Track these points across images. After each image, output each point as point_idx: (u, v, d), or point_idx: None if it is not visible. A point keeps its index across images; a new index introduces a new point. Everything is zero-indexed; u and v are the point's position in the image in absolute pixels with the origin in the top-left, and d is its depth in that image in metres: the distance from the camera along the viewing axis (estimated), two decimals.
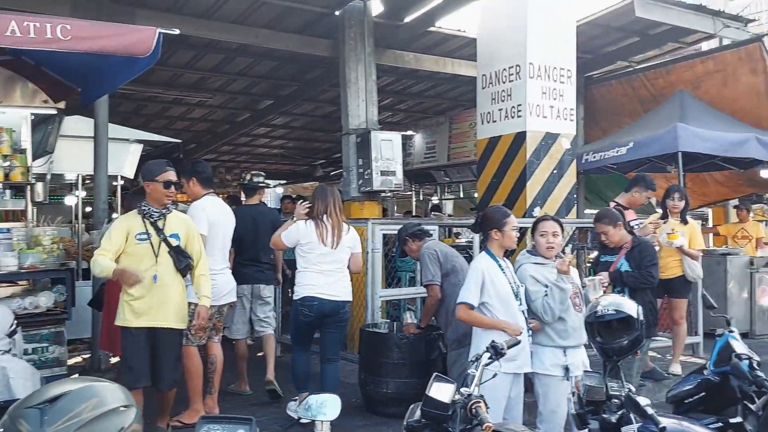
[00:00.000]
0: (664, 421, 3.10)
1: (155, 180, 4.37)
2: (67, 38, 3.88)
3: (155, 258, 4.30)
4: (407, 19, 8.09)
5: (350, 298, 5.26)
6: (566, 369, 3.99)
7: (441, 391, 2.53)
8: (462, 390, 2.49)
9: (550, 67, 7.23)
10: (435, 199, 14.82)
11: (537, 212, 7.25)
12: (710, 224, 12.68)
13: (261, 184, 6.39)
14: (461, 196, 14.54)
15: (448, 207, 15.38)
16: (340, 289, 5.11)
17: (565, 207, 7.48)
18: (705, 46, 10.96)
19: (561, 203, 7.41)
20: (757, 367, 3.64)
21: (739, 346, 3.78)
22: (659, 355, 7.64)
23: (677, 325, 6.86)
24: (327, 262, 5.08)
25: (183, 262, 4.39)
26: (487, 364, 2.81)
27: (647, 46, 9.98)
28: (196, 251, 4.53)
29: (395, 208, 14.56)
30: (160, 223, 4.37)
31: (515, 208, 7.19)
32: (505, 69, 7.34)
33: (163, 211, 4.39)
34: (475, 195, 9.93)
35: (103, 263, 4.22)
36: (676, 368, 6.71)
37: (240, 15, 7.76)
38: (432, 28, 8.38)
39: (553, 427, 3.97)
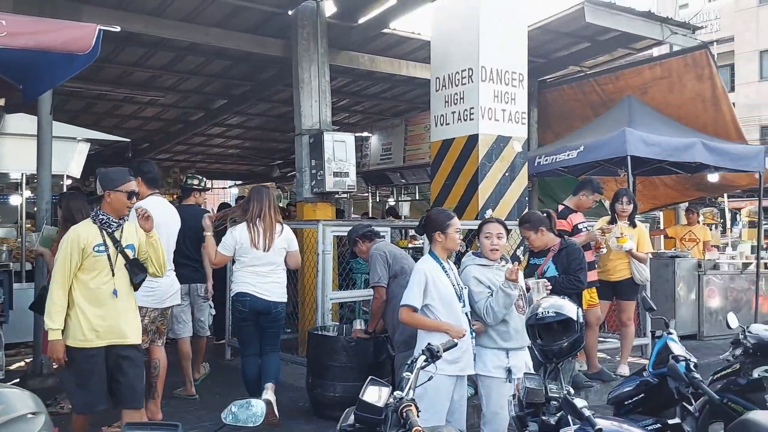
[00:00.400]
0: (601, 423, 3.12)
1: (117, 190, 4.07)
2: (2, 34, 3.74)
3: (112, 271, 4.04)
4: (361, 21, 8.06)
5: (284, 300, 5.41)
6: (509, 371, 4.02)
7: (375, 394, 2.51)
8: (395, 393, 2.47)
9: (502, 70, 7.29)
10: (391, 201, 14.86)
11: (489, 214, 7.31)
12: (662, 227, 12.96)
13: (196, 187, 6.40)
14: (417, 197, 14.61)
15: (405, 208, 15.45)
16: (272, 290, 5.28)
17: (517, 209, 7.55)
18: (656, 52, 11.20)
19: (513, 205, 7.47)
20: (693, 368, 3.70)
21: (677, 348, 3.84)
22: (608, 357, 7.76)
23: (625, 327, 6.98)
24: (260, 264, 5.24)
25: (139, 277, 4.16)
26: (422, 367, 2.80)
27: (598, 51, 10.15)
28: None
29: (352, 209, 14.56)
30: (117, 234, 4.09)
31: (468, 210, 7.25)
32: (457, 72, 7.39)
33: (120, 221, 4.12)
34: None
35: (53, 316, 3.92)
36: (624, 369, 6.82)
37: (189, 13, 7.64)
38: (386, 30, 8.37)
39: (496, 429, 3.99)
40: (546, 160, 9.28)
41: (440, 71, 7.62)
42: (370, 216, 13.36)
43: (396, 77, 10.08)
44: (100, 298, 4.00)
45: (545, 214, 5.58)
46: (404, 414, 2.27)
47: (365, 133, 12.69)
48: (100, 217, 4.09)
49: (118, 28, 4.09)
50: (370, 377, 2.68)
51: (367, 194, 14.42)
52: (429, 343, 2.95)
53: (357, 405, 2.46)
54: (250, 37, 8.25)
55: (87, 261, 3.99)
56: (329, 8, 7.83)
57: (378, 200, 15.55)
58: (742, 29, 31.28)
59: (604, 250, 6.76)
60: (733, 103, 31.39)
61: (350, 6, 7.82)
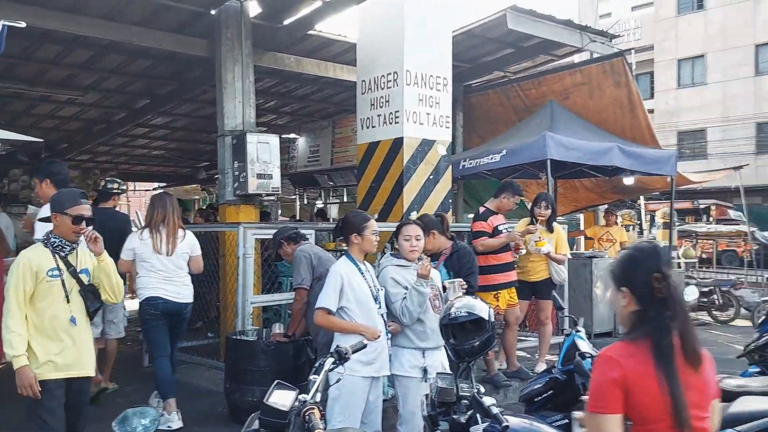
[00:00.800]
0: (511, 420, 3.21)
1: (64, 213, 3.71)
2: None
3: (67, 298, 3.70)
4: (287, 22, 8.00)
5: (191, 300, 5.55)
6: (424, 371, 4.07)
7: (281, 398, 2.51)
8: (300, 397, 2.47)
9: (426, 75, 7.38)
10: (320, 203, 14.81)
11: (413, 216, 7.38)
12: (582, 227, 13.37)
13: (114, 191, 6.40)
14: (346, 200, 14.61)
15: (333, 211, 15.44)
16: (182, 292, 5.43)
17: (441, 211, 7.65)
18: (578, 59, 11.56)
19: (437, 207, 7.56)
20: None
21: (584, 345, 3.98)
22: (528, 355, 7.96)
23: (543, 326, 7.19)
24: (165, 269, 5.36)
25: (94, 305, 3.84)
26: (330, 370, 2.81)
27: (521, 57, 10.40)
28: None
29: (279, 212, 14.45)
30: (71, 258, 3.76)
31: (393, 212, 7.31)
32: (383, 75, 7.45)
33: (74, 245, 3.78)
34: None
35: (13, 343, 3.57)
36: (542, 367, 6.98)
37: (110, 11, 7.41)
38: (312, 32, 8.34)
39: (412, 429, 4.02)
40: (470, 164, 9.44)
41: (366, 74, 7.65)
42: (298, 218, 13.29)
43: (324, 79, 10.06)
44: (58, 327, 3.67)
45: (438, 218, 5.64)
46: (307, 417, 2.27)
47: (292, 135, 12.59)
48: (52, 240, 3.74)
49: (23, 24, 3.96)
50: (276, 381, 2.68)
51: (294, 196, 14.32)
52: (338, 346, 2.96)
53: (261, 409, 2.45)
54: (174, 37, 8.07)
55: (40, 287, 3.65)
56: (254, 8, 7.75)
57: (306, 202, 15.48)
58: (662, 38, 32.66)
59: (524, 251, 6.94)
60: (653, 110, 32.74)
61: (275, 7, 7.75)
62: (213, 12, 7.59)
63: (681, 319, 2.17)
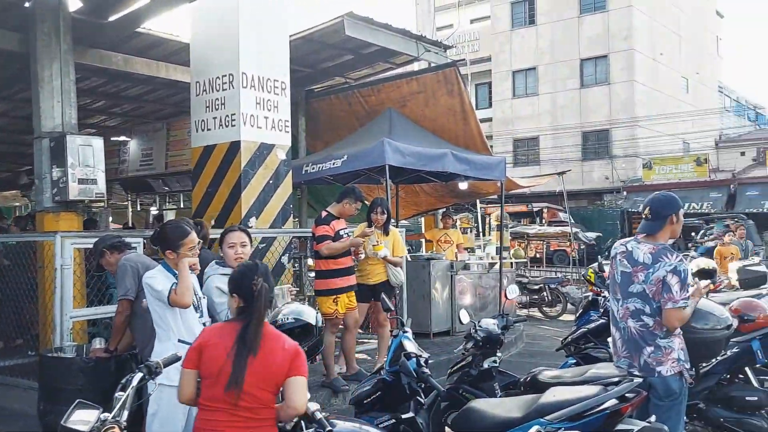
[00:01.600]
0: (338, 425, 3.21)
1: None
2: None
3: None
4: (112, 18, 7.56)
5: None
6: None
7: (82, 418, 2.34)
8: (101, 416, 2.31)
9: (264, 78, 7.29)
10: (155, 210, 14.15)
11: (253, 222, 7.25)
12: (423, 230, 13.82)
13: None
14: (183, 206, 14.08)
15: (170, 217, 14.84)
16: None
17: (282, 217, 7.58)
18: (417, 67, 11.91)
19: (277, 213, 7.49)
20: (424, 364, 3.94)
21: (410, 346, 4.07)
22: (369, 357, 8.05)
23: (382, 327, 7.28)
24: None
25: None
26: (138, 386, 2.65)
27: (361, 64, 10.56)
28: None
29: (110, 219, 13.64)
30: None
31: (231, 218, 7.12)
32: (218, 77, 7.27)
33: None
34: None
35: None
36: None
37: None
38: (142, 30, 7.96)
39: None
40: (313, 168, 9.43)
41: (201, 75, 7.44)
42: (131, 226, 12.61)
43: (157, 80, 9.63)
44: None
45: (198, 225, 5.40)
46: None
47: (123, 138, 11.93)
48: None
49: None
50: (78, 400, 2.51)
51: (126, 203, 13.57)
52: (147, 360, 2.81)
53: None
54: None
55: None
56: (74, 2, 7.25)
57: (140, 209, 14.74)
58: (498, 50, 34.64)
59: (363, 256, 7.02)
60: (491, 118, 34.45)
61: (99, 1, 7.30)
62: (27, 4, 7.01)
63: (254, 316, 2.87)
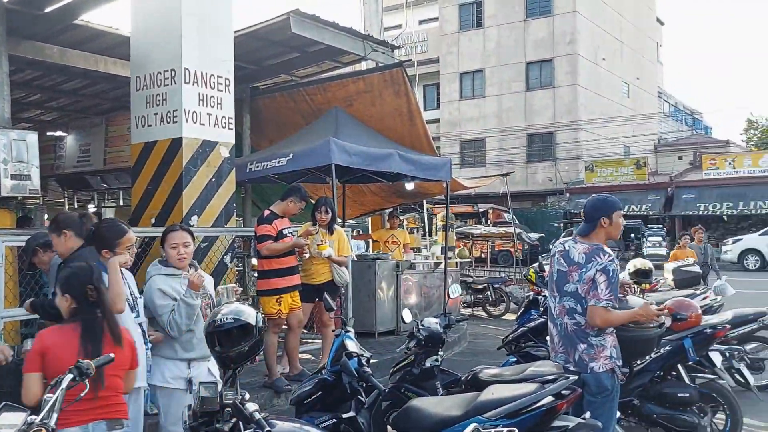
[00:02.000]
0: (278, 425, 3.17)
1: None
2: None
3: None
4: (48, 9, 7.30)
5: None
6: (189, 381, 3.90)
7: (7, 421, 2.25)
8: (29, 418, 2.22)
9: (207, 74, 7.16)
10: (92, 208, 13.75)
11: (194, 221, 7.11)
12: (370, 231, 13.82)
13: None
14: (122, 203, 13.71)
15: (109, 216, 14.46)
16: None
17: (225, 216, 7.46)
18: (364, 66, 11.89)
19: (220, 212, 7.36)
20: (366, 363, 3.94)
21: (352, 345, 4.06)
22: (313, 357, 8.01)
23: (326, 327, 7.25)
24: None
25: None
26: (69, 388, 2.57)
27: (307, 62, 10.48)
28: None
29: (45, 216, 13.18)
30: None
31: (172, 217, 6.97)
32: (160, 72, 7.11)
33: None
34: None
35: None
36: None
37: None
38: (79, 22, 7.71)
39: None
40: (258, 167, 9.32)
41: (141, 70, 7.25)
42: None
43: (95, 73, 9.35)
44: None
45: (83, 217, 5.04)
46: None
47: (59, 132, 11.56)
48: None
49: None
50: (4, 403, 2.41)
51: (63, 200, 13.16)
52: (78, 361, 2.72)
53: None
54: None
55: None
56: None
57: (77, 206, 14.32)
58: (446, 52, 34.95)
59: (307, 255, 6.98)
60: (439, 120, 34.71)
61: None
62: None
63: (107, 314, 3.16)
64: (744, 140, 41.44)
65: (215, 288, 4.35)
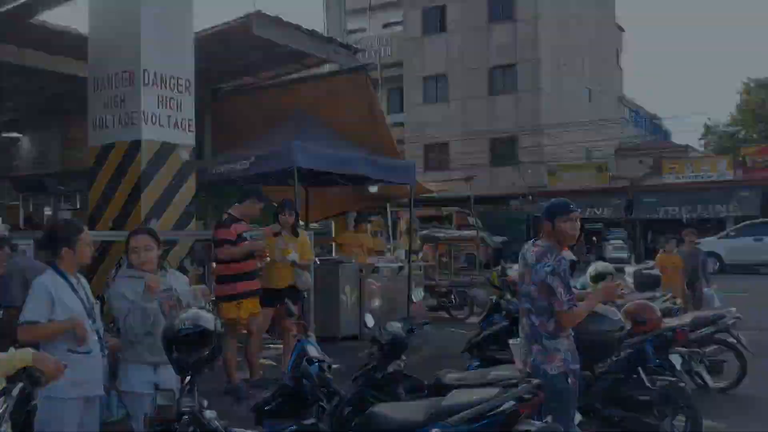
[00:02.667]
0: None
1: None
2: None
3: None
4: (3, 9, 7.12)
5: None
6: (156, 386, 3.80)
7: None
8: None
9: (167, 75, 7.08)
10: (48, 210, 13.44)
11: (153, 224, 6.97)
12: (333, 234, 13.72)
13: None
14: (78, 207, 13.42)
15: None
16: None
17: (185, 219, 7.36)
18: (328, 69, 11.82)
19: (180, 215, 7.27)
20: (327, 369, 3.89)
21: (313, 351, 4.01)
22: (275, 363, 7.91)
23: (287, 333, 7.18)
24: None
25: None
26: (21, 396, 2.48)
27: (270, 64, 10.39)
28: None
29: (0, 220, 12.86)
30: None
31: (131, 220, 6.86)
32: (118, 73, 7.00)
33: None
34: None
35: None
36: None
37: None
38: (35, 22, 7.54)
39: None
40: (219, 170, 9.22)
41: (99, 71, 7.16)
42: (22, 228, 11.91)
43: (53, 74, 9.14)
44: None
45: None
46: None
47: (14, 134, 11.28)
48: None
49: None
50: None
51: (17, 203, 12.81)
52: (27, 368, 2.62)
53: None
54: None
55: None
56: None
57: (32, 209, 13.96)
58: (410, 56, 35.02)
59: (269, 259, 6.90)
60: (403, 123, 34.68)
61: None
62: None
63: None
64: (701, 145, 42.47)
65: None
